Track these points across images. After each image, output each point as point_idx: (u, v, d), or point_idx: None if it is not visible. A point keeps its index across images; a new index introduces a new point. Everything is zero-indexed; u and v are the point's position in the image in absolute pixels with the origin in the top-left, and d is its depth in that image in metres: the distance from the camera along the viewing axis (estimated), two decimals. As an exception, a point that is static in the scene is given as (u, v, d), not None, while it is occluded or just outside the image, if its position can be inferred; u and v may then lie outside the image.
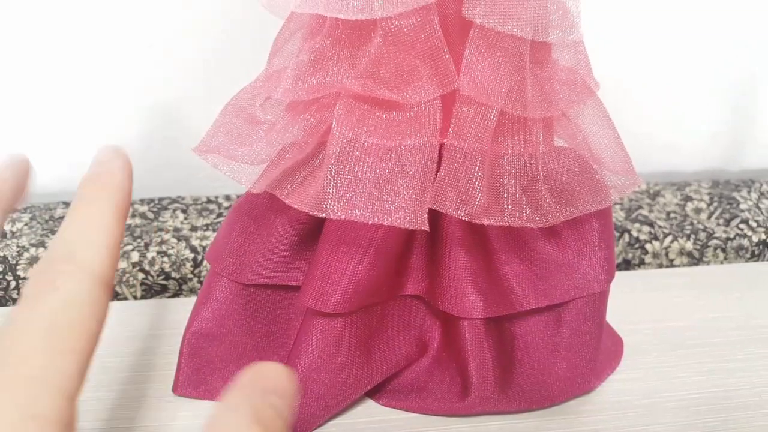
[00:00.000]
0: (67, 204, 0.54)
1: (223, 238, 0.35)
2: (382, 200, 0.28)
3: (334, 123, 0.29)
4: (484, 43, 0.28)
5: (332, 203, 0.29)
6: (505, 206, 0.30)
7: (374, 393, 0.37)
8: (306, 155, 0.31)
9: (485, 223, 0.29)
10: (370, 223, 0.28)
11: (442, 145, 0.30)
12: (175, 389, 0.36)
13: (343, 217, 0.28)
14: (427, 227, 0.28)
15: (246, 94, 0.33)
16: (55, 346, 0.17)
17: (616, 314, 0.39)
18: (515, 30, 0.28)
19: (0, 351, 0.17)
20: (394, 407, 0.36)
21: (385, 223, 0.28)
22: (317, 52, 0.30)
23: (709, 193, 0.58)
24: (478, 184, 0.29)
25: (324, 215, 0.29)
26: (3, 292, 0.47)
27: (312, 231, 0.34)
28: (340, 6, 0.28)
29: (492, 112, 0.29)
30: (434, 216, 0.32)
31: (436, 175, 0.30)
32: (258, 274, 0.34)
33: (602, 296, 0.36)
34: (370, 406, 0.36)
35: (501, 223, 0.30)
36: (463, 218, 0.29)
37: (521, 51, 0.29)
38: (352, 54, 0.29)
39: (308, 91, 0.30)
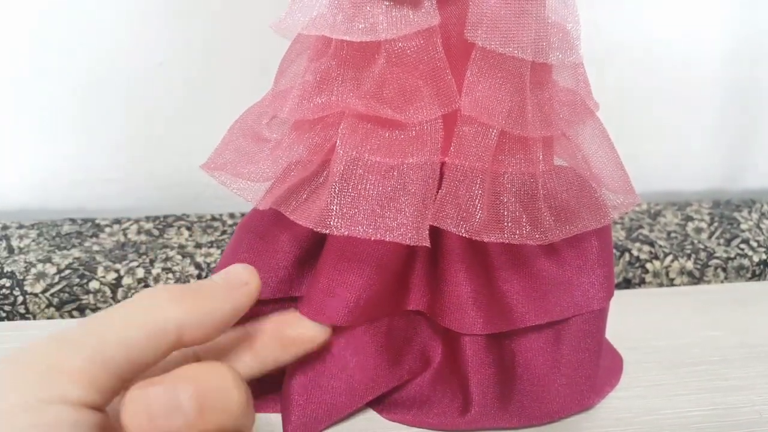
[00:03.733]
0: (73, 220, 0.55)
1: (229, 255, 0.35)
2: (384, 217, 0.29)
3: (338, 142, 0.30)
4: (485, 64, 0.29)
5: (336, 220, 0.29)
6: (505, 224, 0.30)
7: (377, 404, 0.37)
8: (310, 173, 0.32)
9: (485, 239, 0.30)
10: (372, 239, 0.29)
11: (443, 164, 0.30)
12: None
13: (346, 233, 0.29)
14: (428, 243, 0.29)
15: (253, 113, 0.33)
16: None
17: (616, 332, 0.40)
18: (516, 52, 0.29)
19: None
20: (395, 421, 0.37)
21: (387, 239, 0.29)
22: (323, 72, 0.30)
23: (709, 213, 0.58)
24: (478, 202, 0.30)
25: (328, 231, 0.29)
26: (11, 307, 0.48)
27: (315, 246, 0.35)
28: (345, 28, 0.29)
29: (492, 131, 0.29)
30: (435, 233, 0.32)
31: (437, 192, 0.30)
32: (263, 289, 0.35)
33: (602, 314, 0.37)
34: (372, 418, 0.37)
35: (501, 240, 0.30)
36: (464, 235, 0.30)
37: (522, 72, 0.30)
38: (356, 75, 0.30)
39: (313, 110, 0.30)
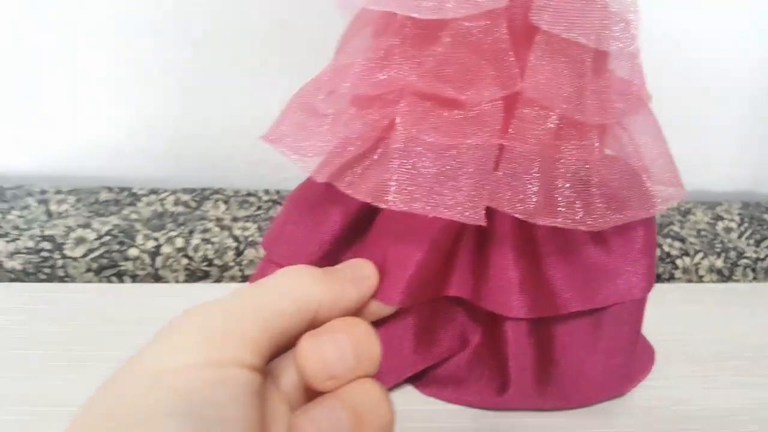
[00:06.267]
0: (110, 189, 0.56)
1: (278, 227, 0.36)
2: (442, 194, 0.29)
3: (398, 119, 0.30)
4: (548, 48, 0.30)
5: (393, 195, 0.29)
6: (559, 208, 0.31)
7: (415, 380, 0.38)
8: (365, 149, 0.32)
9: (539, 222, 0.30)
10: (430, 216, 0.29)
11: (501, 146, 0.31)
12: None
13: (404, 208, 0.29)
14: (484, 222, 0.29)
15: (310, 88, 0.34)
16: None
17: (648, 324, 0.40)
18: (580, 38, 0.29)
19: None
20: (432, 395, 0.37)
21: (444, 217, 0.29)
22: (385, 49, 0.31)
23: (739, 214, 0.58)
24: (534, 185, 0.30)
25: (385, 206, 0.30)
26: (50, 270, 0.48)
27: (362, 223, 0.35)
28: (413, 5, 0.29)
29: (553, 115, 0.30)
30: (486, 216, 0.32)
31: (494, 174, 0.31)
32: (308, 262, 0.35)
33: (641, 303, 0.37)
34: (410, 393, 0.37)
35: (554, 224, 0.31)
36: (519, 217, 0.30)
37: (584, 58, 0.30)
38: (418, 53, 0.30)
39: (374, 86, 0.31)
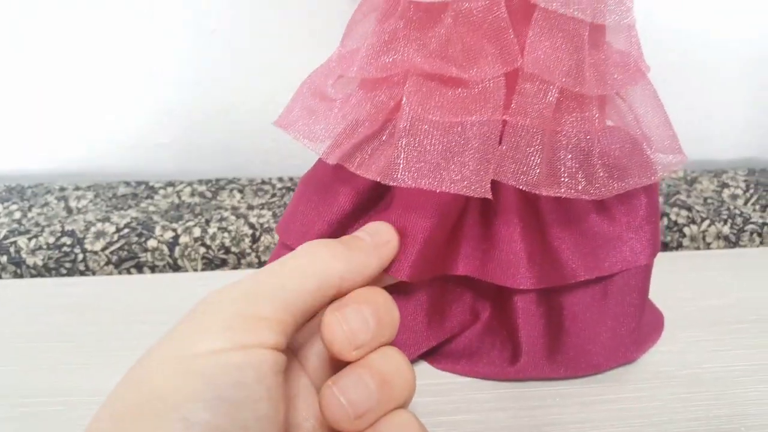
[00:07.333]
0: (127, 183, 0.57)
1: (291, 211, 0.37)
2: (448, 170, 0.31)
3: (404, 99, 0.31)
4: (546, 24, 0.31)
5: (402, 173, 0.31)
6: (562, 179, 0.32)
7: (428, 356, 0.39)
8: (373, 131, 0.34)
9: (543, 193, 0.31)
10: (437, 191, 0.30)
11: (504, 121, 0.32)
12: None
13: (412, 185, 0.30)
14: (490, 195, 0.31)
15: (320, 74, 0.35)
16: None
17: (656, 291, 0.41)
18: (576, 13, 0.30)
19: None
20: (445, 370, 0.38)
21: (451, 192, 0.30)
22: (390, 33, 0.32)
23: (745, 180, 0.59)
24: (537, 157, 0.31)
25: (394, 184, 0.31)
26: (71, 264, 0.50)
27: (371, 202, 0.36)
28: (414, -11, 0.30)
29: (553, 89, 0.31)
30: (491, 190, 0.33)
31: (498, 148, 0.32)
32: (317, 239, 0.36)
33: (647, 269, 0.38)
34: (423, 369, 0.39)
35: (558, 195, 0.32)
36: (523, 188, 0.31)
37: (581, 33, 0.31)
38: (422, 35, 0.32)
39: (380, 69, 0.32)
